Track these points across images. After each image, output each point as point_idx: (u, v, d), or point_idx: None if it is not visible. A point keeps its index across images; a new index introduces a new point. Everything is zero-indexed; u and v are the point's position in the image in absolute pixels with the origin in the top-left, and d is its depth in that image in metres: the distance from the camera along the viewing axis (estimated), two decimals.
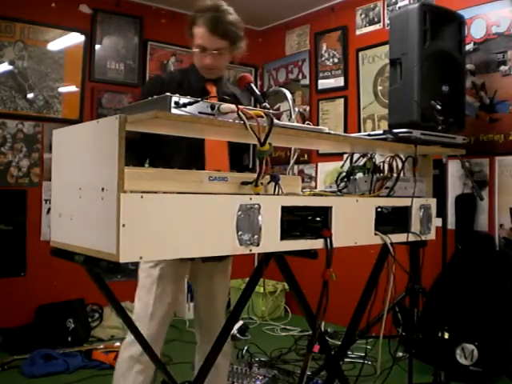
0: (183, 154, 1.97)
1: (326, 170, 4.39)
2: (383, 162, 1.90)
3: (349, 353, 3.14)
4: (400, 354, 2.94)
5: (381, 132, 1.94)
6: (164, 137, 1.87)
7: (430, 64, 2.73)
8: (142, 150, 1.99)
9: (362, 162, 1.90)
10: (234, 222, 1.31)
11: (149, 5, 4.35)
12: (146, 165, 2.09)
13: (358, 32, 4.21)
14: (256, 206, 1.35)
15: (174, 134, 1.81)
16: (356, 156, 1.92)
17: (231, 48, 2.00)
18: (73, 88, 4.06)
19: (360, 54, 4.15)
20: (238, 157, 2.14)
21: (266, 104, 1.56)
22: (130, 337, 1.94)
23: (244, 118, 1.28)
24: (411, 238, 1.89)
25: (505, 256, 3.15)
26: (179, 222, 1.22)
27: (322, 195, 1.64)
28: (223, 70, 2.12)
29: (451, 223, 3.31)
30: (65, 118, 3.96)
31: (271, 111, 1.35)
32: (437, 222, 2.07)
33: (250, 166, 2.20)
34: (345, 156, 2.00)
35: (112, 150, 1.15)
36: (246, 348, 3.17)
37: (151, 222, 1.17)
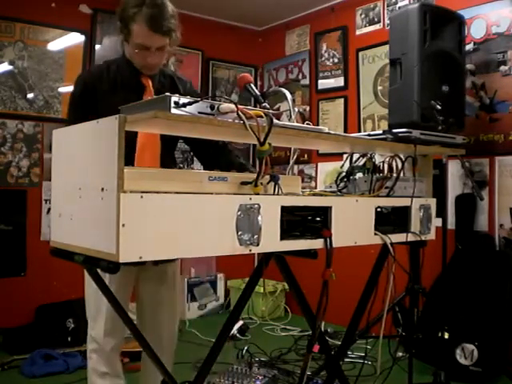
0: None
1: (326, 170, 4.38)
2: (383, 161, 1.90)
3: (349, 353, 3.14)
4: (400, 353, 2.93)
5: (380, 132, 1.94)
6: None
7: (430, 64, 2.73)
8: None
9: (361, 162, 1.90)
10: (233, 222, 1.31)
11: None
12: None
13: (358, 32, 4.20)
14: (256, 205, 1.35)
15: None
16: (356, 156, 1.92)
17: (171, 41, 1.92)
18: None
19: (360, 54, 4.15)
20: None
21: (266, 104, 1.56)
22: (92, 345, 1.96)
23: (244, 117, 1.28)
24: (411, 237, 1.89)
25: (505, 256, 3.15)
26: (179, 222, 1.22)
27: (321, 195, 1.64)
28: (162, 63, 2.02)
29: (451, 223, 3.31)
30: (65, 118, 3.94)
31: (271, 111, 1.35)
32: (437, 222, 2.07)
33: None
34: (345, 156, 1.99)
35: (112, 150, 1.15)
36: (245, 348, 3.17)
37: (151, 221, 1.17)
